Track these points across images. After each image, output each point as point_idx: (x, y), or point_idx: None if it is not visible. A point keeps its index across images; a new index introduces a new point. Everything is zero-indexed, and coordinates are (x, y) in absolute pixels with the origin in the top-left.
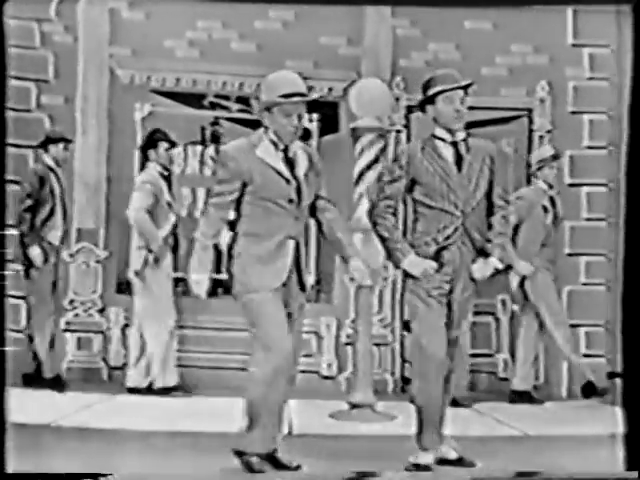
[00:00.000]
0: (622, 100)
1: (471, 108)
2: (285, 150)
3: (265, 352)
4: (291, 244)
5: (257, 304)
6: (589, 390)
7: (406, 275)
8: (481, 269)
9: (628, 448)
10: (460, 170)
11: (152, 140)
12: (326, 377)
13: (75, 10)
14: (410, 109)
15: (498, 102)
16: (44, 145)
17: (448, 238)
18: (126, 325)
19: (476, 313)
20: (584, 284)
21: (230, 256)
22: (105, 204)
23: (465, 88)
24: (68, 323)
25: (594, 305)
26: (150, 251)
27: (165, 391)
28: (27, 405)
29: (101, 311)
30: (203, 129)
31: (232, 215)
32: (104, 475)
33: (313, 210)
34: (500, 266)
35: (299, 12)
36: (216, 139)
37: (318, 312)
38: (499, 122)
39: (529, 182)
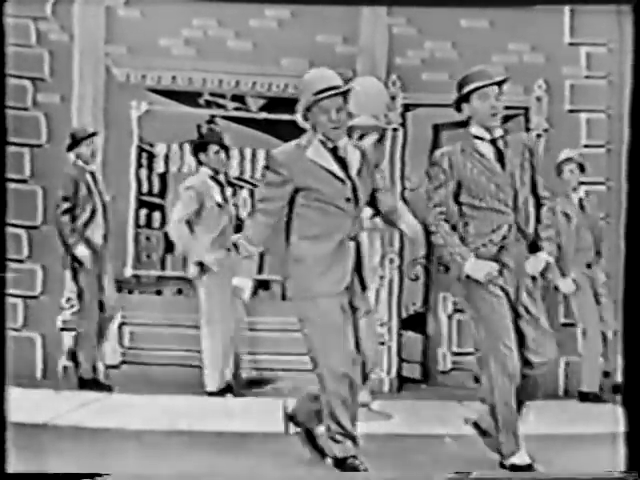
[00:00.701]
0: (619, 99)
1: None
2: (335, 149)
3: (326, 357)
4: (352, 245)
5: (319, 309)
6: (587, 397)
7: (469, 279)
8: (533, 265)
9: (629, 447)
10: (503, 167)
11: (201, 143)
12: None
13: (71, 9)
14: (407, 107)
15: None
16: (71, 147)
17: (505, 238)
18: (123, 323)
19: None
20: None
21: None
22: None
23: (500, 84)
24: (65, 322)
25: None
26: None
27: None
28: (24, 404)
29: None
30: (199, 127)
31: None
32: (101, 475)
33: (373, 202)
34: (551, 260)
35: (295, 10)
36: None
37: None
38: None
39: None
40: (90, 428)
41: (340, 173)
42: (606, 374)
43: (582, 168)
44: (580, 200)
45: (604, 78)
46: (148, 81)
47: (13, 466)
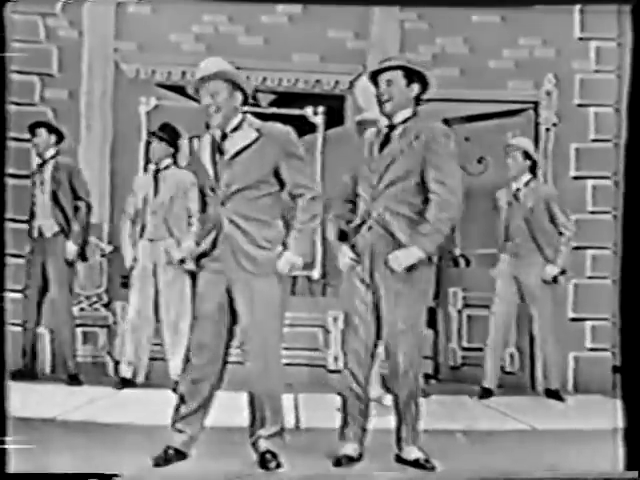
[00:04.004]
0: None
1: (478, 101)
2: (224, 136)
3: None
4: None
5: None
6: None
7: None
8: (399, 259)
9: (628, 444)
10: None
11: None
12: (333, 371)
13: (81, 5)
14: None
15: (505, 95)
16: (32, 128)
17: (363, 224)
18: None
19: (484, 306)
20: (590, 277)
21: None
22: (109, 198)
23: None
24: (74, 317)
25: (600, 299)
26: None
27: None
28: (31, 399)
29: (107, 305)
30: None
31: None
32: (109, 475)
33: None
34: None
35: (306, 6)
36: None
37: (325, 306)
38: (505, 115)
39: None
40: (98, 423)
41: (207, 161)
42: (615, 369)
43: (528, 156)
44: (517, 190)
45: (613, 73)
46: (157, 77)
47: (16, 462)
